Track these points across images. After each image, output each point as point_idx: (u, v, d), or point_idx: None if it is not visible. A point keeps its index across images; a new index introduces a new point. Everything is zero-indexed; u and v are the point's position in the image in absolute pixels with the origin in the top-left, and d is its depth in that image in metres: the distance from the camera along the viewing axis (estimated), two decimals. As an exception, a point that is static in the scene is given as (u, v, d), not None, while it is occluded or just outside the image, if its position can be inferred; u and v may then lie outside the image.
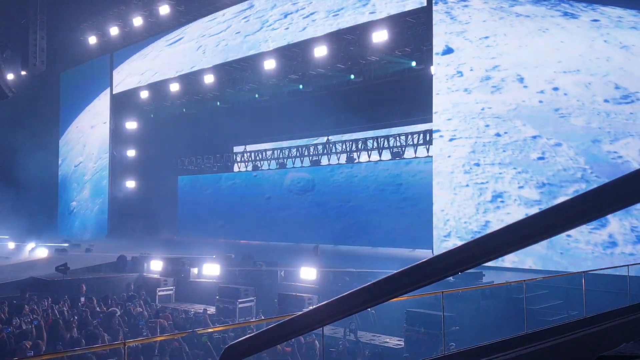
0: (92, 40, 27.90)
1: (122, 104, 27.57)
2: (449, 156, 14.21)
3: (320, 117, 22.36)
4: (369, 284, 1.42)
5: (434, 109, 14.71)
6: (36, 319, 9.26)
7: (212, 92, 24.38)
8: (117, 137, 27.78)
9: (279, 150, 25.06)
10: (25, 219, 25.08)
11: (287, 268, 14.92)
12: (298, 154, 24.12)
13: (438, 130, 14.63)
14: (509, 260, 12.17)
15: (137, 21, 24.90)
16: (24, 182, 25.66)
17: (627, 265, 8.20)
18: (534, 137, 12.65)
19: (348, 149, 22.39)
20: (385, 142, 21.08)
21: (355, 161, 22.34)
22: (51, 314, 10.35)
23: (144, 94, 25.90)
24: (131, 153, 27.40)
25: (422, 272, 1.37)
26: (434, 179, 14.58)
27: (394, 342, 10.07)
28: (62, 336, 8.58)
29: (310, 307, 1.58)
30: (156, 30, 25.21)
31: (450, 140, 14.21)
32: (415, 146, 20.18)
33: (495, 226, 12.55)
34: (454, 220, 13.98)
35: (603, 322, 5.08)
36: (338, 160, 22.73)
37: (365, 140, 21.90)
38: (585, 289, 7.01)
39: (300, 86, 22.12)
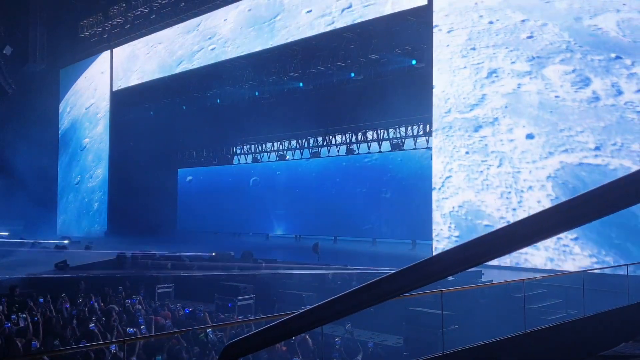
0: (92, 36, 27.90)
1: (122, 101, 27.56)
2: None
3: (321, 115, 22.35)
4: (368, 283, 1.41)
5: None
6: (35, 317, 9.25)
7: (212, 90, 24.39)
8: (117, 133, 27.79)
9: (278, 143, 25.12)
10: (23, 216, 25.12)
11: (287, 265, 14.94)
12: (298, 146, 24.23)
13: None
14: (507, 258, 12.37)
15: (137, 17, 24.90)
16: (22, 178, 25.63)
17: (627, 265, 8.20)
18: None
19: (347, 141, 22.48)
20: (385, 134, 21.14)
21: (355, 153, 22.38)
22: (49, 312, 10.35)
23: (143, 91, 25.92)
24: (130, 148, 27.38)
25: (422, 271, 1.35)
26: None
27: (394, 340, 10.07)
28: (60, 333, 8.57)
29: (309, 307, 1.58)
30: (156, 26, 25.19)
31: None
32: (415, 137, 20.22)
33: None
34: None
35: (602, 322, 5.08)
36: (338, 152, 22.80)
37: (365, 132, 21.93)
38: (585, 288, 7.01)
39: (301, 84, 22.09)
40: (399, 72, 19.01)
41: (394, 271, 1.29)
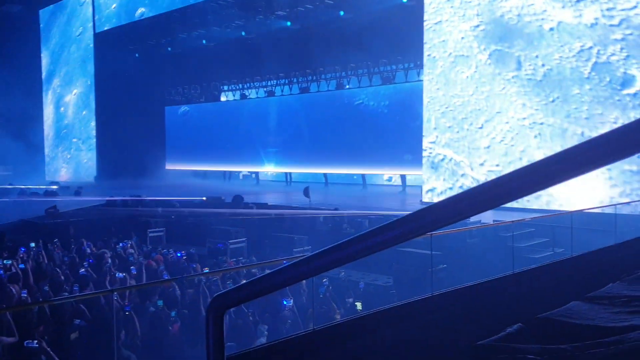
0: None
1: (106, 42, 26.84)
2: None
3: (309, 54, 21.91)
4: (362, 233, 1.36)
5: None
6: (26, 263, 9.27)
7: (197, 30, 23.77)
8: (102, 75, 27.25)
9: (267, 80, 24.69)
10: (10, 162, 24.90)
11: (278, 209, 15.01)
12: (287, 82, 23.86)
13: None
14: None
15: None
16: (6, 124, 25.23)
17: (615, 205, 8.29)
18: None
19: (338, 75, 22.10)
20: (375, 68, 20.78)
21: (346, 87, 22.07)
22: (41, 257, 10.37)
23: (128, 33, 25.22)
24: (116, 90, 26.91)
25: (420, 222, 1.31)
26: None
27: (383, 280, 10.24)
28: (52, 279, 8.62)
29: (301, 257, 1.54)
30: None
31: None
32: (406, 70, 19.95)
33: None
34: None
35: (590, 262, 5.15)
36: (328, 87, 22.47)
37: (355, 68, 21.54)
38: (572, 227, 7.09)
39: (288, 23, 21.56)
40: (389, 10, 18.57)
41: (392, 220, 1.24)
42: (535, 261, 8.59)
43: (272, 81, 24.55)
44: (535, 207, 12.83)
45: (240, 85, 26.13)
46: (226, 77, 25.86)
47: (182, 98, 27.65)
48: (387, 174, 20.68)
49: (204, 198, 17.12)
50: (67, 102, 29.83)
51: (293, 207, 15.29)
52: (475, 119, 14.10)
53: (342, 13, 19.99)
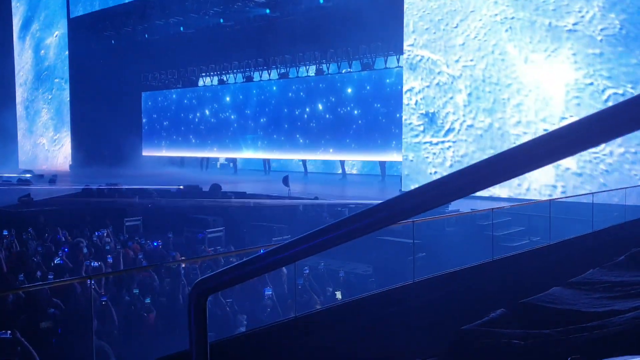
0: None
1: (81, 28, 26.31)
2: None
3: (289, 42, 21.73)
4: (343, 219, 1.32)
5: None
6: None
7: (175, 17, 23.42)
8: (77, 61, 26.75)
9: (245, 63, 24.35)
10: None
11: (256, 198, 14.92)
12: (266, 68, 23.58)
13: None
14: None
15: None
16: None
17: (592, 193, 8.39)
18: None
19: (317, 61, 21.85)
20: (356, 55, 20.60)
21: (325, 73, 21.85)
22: (14, 246, 10.17)
23: (104, 18, 24.76)
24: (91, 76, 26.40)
25: (404, 205, 1.26)
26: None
27: (363, 269, 10.25)
28: (26, 268, 8.45)
29: (283, 242, 1.49)
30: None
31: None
32: (385, 57, 19.81)
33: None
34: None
35: (568, 249, 5.19)
36: (307, 72, 22.24)
37: (335, 51, 21.33)
38: (549, 216, 7.16)
39: (267, 10, 21.37)
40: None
41: (374, 204, 1.20)
42: (513, 249, 8.68)
43: (250, 67, 24.23)
44: (509, 195, 13.06)
45: (219, 72, 25.78)
46: (204, 63, 25.51)
47: (159, 83, 27.17)
48: (366, 159, 20.63)
49: (181, 187, 16.94)
50: (41, 88, 29.24)
51: (272, 196, 15.20)
52: (451, 19, 14.41)
53: (321, 1, 19.86)
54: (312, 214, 13.39)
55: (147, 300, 7.30)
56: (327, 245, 1.61)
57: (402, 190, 15.31)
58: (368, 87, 20.02)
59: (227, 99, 24.72)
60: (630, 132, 0.99)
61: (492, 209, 7.25)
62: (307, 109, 21.80)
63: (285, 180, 15.68)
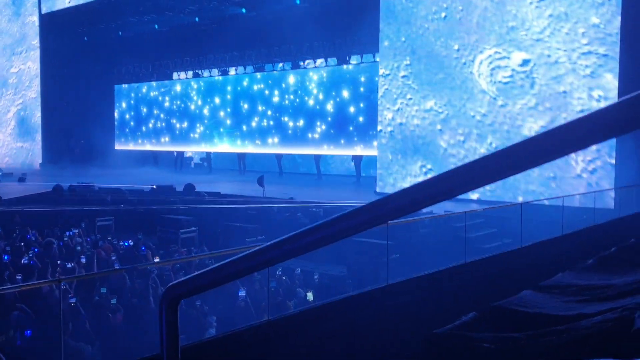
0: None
1: (52, 24, 25.85)
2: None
3: (265, 42, 21.67)
4: (323, 221, 1.31)
5: None
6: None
7: (150, 14, 23.15)
8: (48, 57, 26.26)
9: (220, 57, 24.10)
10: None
11: (231, 198, 14.82)
12: (241, 63, 23.37)
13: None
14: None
15: None
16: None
17: (562, 197, 8.55)
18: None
19: (292, 56, 21.71)
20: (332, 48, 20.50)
21: (301, 67, 21.71)
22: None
23: (77, 15, 24.35)
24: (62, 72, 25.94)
25: (383, 208, 1.26)
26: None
27: (337, 270, 10.27)
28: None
29: (257, 247, 1.48)
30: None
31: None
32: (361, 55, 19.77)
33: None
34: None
35: (539, 252, 5.27)
36: (283, 66, 22.12)
37: (311, 45, 21.22)
38: (521, 219, 7.26)
39: (243, 10, 21.29)
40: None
41: (355, 207, 1.20)
42: (485, 251, 8.78)
43: (225, 62, 24.04)
44: (481, 198, 13.20)
45: (193, 67, 25.52)
46: (179, 59, 25.28)
47: (133, 77, 26.79)
48: (342, 153, 20.65)
49: (154, 186, 16.75)
50: (11, 84, 28.65)
51: (246, 196, 15.12)
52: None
53: (298, 2, 19.86)
54: (286, 214, 13.37)
55: (113, 301, 7.21)
56: (303, 250, 1.60)
57: (378, 191, 15.37)
58: (343, 82, 20.05)
59: (201, 92, 24.54)
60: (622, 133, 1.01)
61: (465, 212, 7.32)
62: (282, 103, 21.76)
63: (260, 181, 15.62)
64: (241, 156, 23.25)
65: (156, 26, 23.94)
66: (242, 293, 7.60)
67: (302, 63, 21.51)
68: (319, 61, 20.87)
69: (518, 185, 13.02)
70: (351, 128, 19.65)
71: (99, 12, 23.80)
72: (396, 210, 1.34)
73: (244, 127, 22.91)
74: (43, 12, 26.19)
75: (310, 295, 8.17)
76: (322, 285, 8.97)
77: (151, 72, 26.24)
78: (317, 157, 21.18)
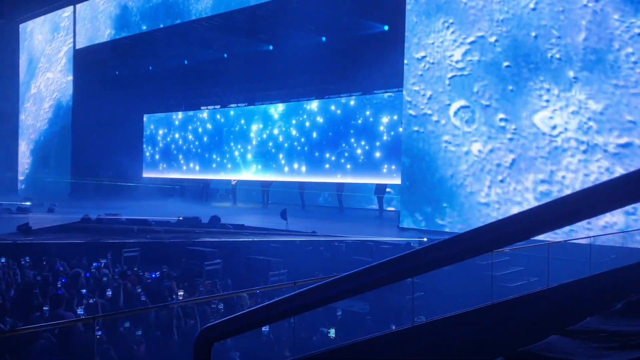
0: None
1: (86, 59, 26.72)
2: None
3: (291, 78, 22.20)
4: (369, 266, 1.36)
5: None
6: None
7: (179, 50, 23.82)
8: (80, 91, 27.09)
9: (247, 87, 24.64)
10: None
11: (255, 231, 14.93)
12: (267, 95, 23.87)
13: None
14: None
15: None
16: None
17: (589, 237, 8.44)
18: None
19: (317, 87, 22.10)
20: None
21: (326, 97, 22.12)
22: (12, 276, 10.15)
23: (108, 50, 25.19)
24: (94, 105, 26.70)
25: (437, 254, 1.32)
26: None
27: (360, 306, 10.21)
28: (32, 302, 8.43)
29: (295, 292, 1.54)
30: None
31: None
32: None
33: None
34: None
35: (566, 294, 5.22)
36: (307, 98, 22.53)
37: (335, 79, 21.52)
38: (548, 258, 7.19)
39: (270, 47, 21.76)
40: (370, 37, 18.91)
41: (400, 254, 1.26)
42: (511, 290, 8.67)
43: (251, 94, 24.62)
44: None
45: (220, 98, 26.12)
46: (207, 90, 25.92)
47: (161, 107, 27.58)
48: (366, 181, 20.74)
49: (180, 217, 16.96)
50: (44, 116, 29.50)
51: (270, 229, 15.22)
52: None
53: (323, 39, 20.26)
54: (309, 248, 13.40)
55: (139, 333, 7.28)
56: (340, 296, 1.65)
57: (400, 227, 15.31)
58: (368, 111, 20.31)
59: (229, 122, 25.12)
60: None
61: (492, 252, 7.27)
62: (308, 133, 22.13)
63: (283, 214, 15.74)
64: (265, 189, 23.47)
65: (185, 61, 24.59)
66: (265, 328, 7.61)
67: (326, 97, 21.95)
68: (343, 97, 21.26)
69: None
70: (378, 154, 19.80)
71: (131, 47, 24.57)
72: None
73: (269, 157, 23.36)
74: (77, 47, 27.12)
75: (332, 332, 8.14)
76: (344, 322, 8.92)
77: (179, 102, 26.94)
78: (340, 189, 21.24)
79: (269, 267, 12.29)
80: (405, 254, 1.34)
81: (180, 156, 26.88)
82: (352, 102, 20.82)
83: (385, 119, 19.61)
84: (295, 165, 22.37)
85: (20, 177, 30.65)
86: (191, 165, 26.49)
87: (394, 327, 5.05)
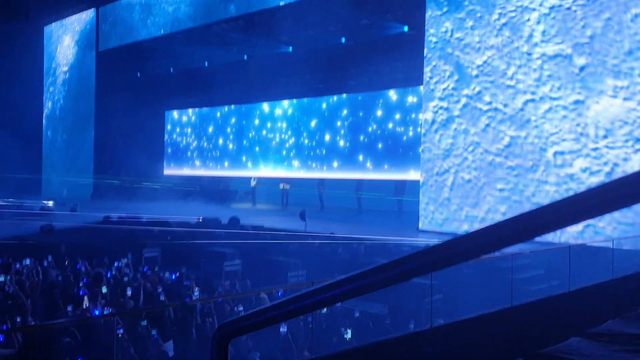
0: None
1: (108, 60, 27.09)
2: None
3: (311, 78, 22.36)
4: (387, 263, 1.36)
5: None
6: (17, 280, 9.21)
7: (199, 52, 24.04)
8: (102, 92, 27.49)
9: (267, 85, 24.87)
10: (9, 180, 24.91)
11: (273, 232, 14.95)
12: (289, 94, 24.06)
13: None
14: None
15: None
16: (6, 141, 25.25)
17: (612, 240, 8.31)
18: None
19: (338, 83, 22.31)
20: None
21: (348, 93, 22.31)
22: (35, 274, 10.31)
23: (130, 52, 25.51)
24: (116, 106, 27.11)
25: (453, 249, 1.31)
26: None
27: (378, 308, 10.18)
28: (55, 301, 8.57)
29: (312, 287, 1.55)
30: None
31: None
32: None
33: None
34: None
35: (588, 297, 5.14)
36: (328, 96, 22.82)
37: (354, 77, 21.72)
38: (569, 261, 7.09)
39: (290, 48, 21.83)
40: (390, 38, 18.88)
41: (421, 249, 1.25)
42: (532, 293, 8.57)
43: (273, 92, 24.86)
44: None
45: (241, 96, 26.36)
46: (228, 88, 26.16)
47: (183, 103, 27.99)
48: (384, 177, 20.87)
49: (200, 218, 17.07)
50: (66, 118, 29.97)
51: (289, 230, 15.23)
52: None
53: (343, 40, 20.26)
54: (327, 249, 13.39)
55: (154, 332, 7.33)
56: (356, 292, 1.65)
57: (420, 228, 15.22)
58: (388, 107, 20.42)
59: (248, 118, 25.42)
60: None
61: (512, 254, 7.21)
62: (327, 129, 22.34)
63: (302, 215, 15.74)
64: (284, 191, 23.51)
65: (206, 63, 24.77)
66: (283, 329, 7.63)
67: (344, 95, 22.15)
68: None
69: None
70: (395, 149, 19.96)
71: (152, 49, 24.82)
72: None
73: (291, 153, 23.63)
74: (100, 49, 27.51)
75: (349, 333, 8.12)
76: (362, 323, 8.91)
77: (201, 100, 27.26)
78: (359, 188, 21.13)
79: (287, 268, 12.33)
80: (417, 252, 1.34)
81: (200, 152, 27.38)
82: (363, 100, 21.10)
83: (400, 116, 19.78)
84: (315, 165, 22.60)
85: (43, 178, 31.12)
86: (210, 164, 26.84)
87: (412, 327, 5.03)
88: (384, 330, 8.44)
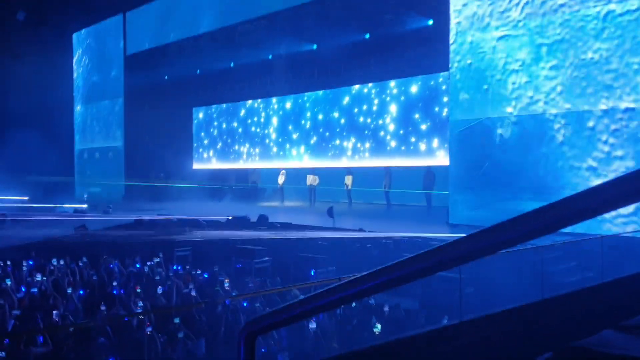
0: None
1: (136, 65, 27.51)
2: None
3: (334, 75, 22.43)
4: (410, 257, 1.37)
5: None
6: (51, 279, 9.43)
7: (224, 52, 24.24)
8: (131, 96, 27.95)
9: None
10: (41, 182, 25.52)
11: (302, 229, 15.02)
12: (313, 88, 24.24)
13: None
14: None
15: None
16: (37, 145, 25.85)
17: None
18: None
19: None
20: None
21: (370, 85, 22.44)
22: (70, 274, 10.55)
23: (157, 55, 25.87)
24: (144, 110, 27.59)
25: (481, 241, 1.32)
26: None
27: (408, 303, 10.13)
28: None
29: (337, 283, 1.56)
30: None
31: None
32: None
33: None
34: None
35: (621, 289, 5.05)
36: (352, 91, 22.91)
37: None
38: (602, 252, 6.97)
39: (314, 46, 21.88)
40: (414, 32, 18.75)
41: (450, 240, 1.26)
42: (564, 285, 8.43)
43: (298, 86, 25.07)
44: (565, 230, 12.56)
45: (267, 91, 26.64)
46: (254, 85, 26.42)
47: (210, 99, 28.45)
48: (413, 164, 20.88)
49: (230, 217, 17.25)
50: (96, 122, 30.57)
51: (317, 227, 15.27)
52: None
53: (367, 36, 20.22)
54: (356, 245, 13.37)
55: (180, 335, 7.40)
56: (383, 286, 1.66)
57: (450, 223, 15.06)
58: (414, 94, 20.50)
59: (274, 112, 25.72)
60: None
61: (543, 246, 7.11)
62: (355, 120, 22.53)
63: (330, 212, 15.76)
64: (312, 188, 23.52)
65: (232, 64, 24.99)
66: (312, 325, 7.64)
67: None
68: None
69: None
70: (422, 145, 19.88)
71: (179, 52, 25.12)
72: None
73: (319, 145, 24.16)
74: (128, 54, 27.96)
75: (378, 327, 8.09)
76: (391, 318, 8.87)
77: (228, 96, 27.63)
78: (388, 181, 20.59)
79: (316, 264, 12.35)
80: (442, 245, 1.35)
81: (228, 147, 27.95)
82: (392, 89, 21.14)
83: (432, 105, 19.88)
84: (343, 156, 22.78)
85: (77, 180, 31.77)
86: (241, 161, 27.23)
87: (445, 321, 5.01)
88: (414, 324, 8.41)
